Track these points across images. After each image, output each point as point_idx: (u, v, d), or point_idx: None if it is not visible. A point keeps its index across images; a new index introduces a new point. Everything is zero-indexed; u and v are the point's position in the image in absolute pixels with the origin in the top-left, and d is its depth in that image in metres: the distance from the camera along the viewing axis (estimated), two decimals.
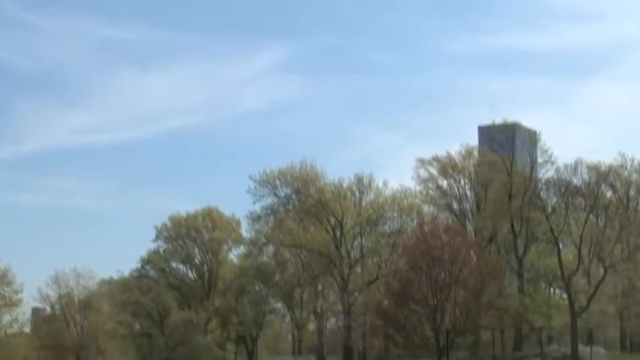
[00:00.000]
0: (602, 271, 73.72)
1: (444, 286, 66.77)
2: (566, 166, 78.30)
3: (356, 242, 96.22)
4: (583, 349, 69.53)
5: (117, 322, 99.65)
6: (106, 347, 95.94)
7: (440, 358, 65.21)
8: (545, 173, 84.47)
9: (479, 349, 76.43)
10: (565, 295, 77.45)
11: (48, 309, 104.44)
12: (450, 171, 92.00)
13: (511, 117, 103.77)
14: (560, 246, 75.71)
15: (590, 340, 77.83)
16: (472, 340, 74.51)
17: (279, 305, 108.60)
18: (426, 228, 73.53)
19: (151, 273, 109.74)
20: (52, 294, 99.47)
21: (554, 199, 78.13)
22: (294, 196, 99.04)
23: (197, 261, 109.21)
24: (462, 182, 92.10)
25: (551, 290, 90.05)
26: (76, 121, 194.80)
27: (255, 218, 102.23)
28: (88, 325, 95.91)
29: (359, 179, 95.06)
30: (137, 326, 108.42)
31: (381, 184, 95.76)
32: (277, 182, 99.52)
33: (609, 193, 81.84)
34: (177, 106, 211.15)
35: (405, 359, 73.44)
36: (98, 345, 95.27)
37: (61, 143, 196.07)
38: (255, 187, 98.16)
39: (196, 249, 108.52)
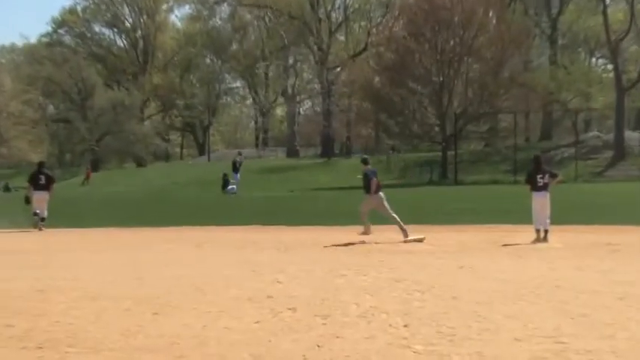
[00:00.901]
0: None
1: (453, 57, 64.78)
2: None
3: (338, 1, 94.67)
4: (630, 134, 68.40)
5: (23, 102, 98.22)
6: (10, 135, 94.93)
7: (446, 151, 64.87)
8: None
9: (496, 139, 75.43)
10: (610, 67, 76.48)
11: None
12: None
13: None
14: (607, 1, 74.04)
15: (639, 124, 78.34)
16: (488, 127, 73.91)
17: (237, 84, 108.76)
18: None
19: (67, 39, 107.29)
20: None
21: None
22: None
23: (128, 24, 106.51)
24: None
25: (593, 60, 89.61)
26: None
27: None
28: None
29: None
30: (51, 108, 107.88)
31: None
32: None
33: None
34: None
35: (401, 152, 73.63)
36: (0, 132, 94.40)
37: None
38: None
39: (126, 8, 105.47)
